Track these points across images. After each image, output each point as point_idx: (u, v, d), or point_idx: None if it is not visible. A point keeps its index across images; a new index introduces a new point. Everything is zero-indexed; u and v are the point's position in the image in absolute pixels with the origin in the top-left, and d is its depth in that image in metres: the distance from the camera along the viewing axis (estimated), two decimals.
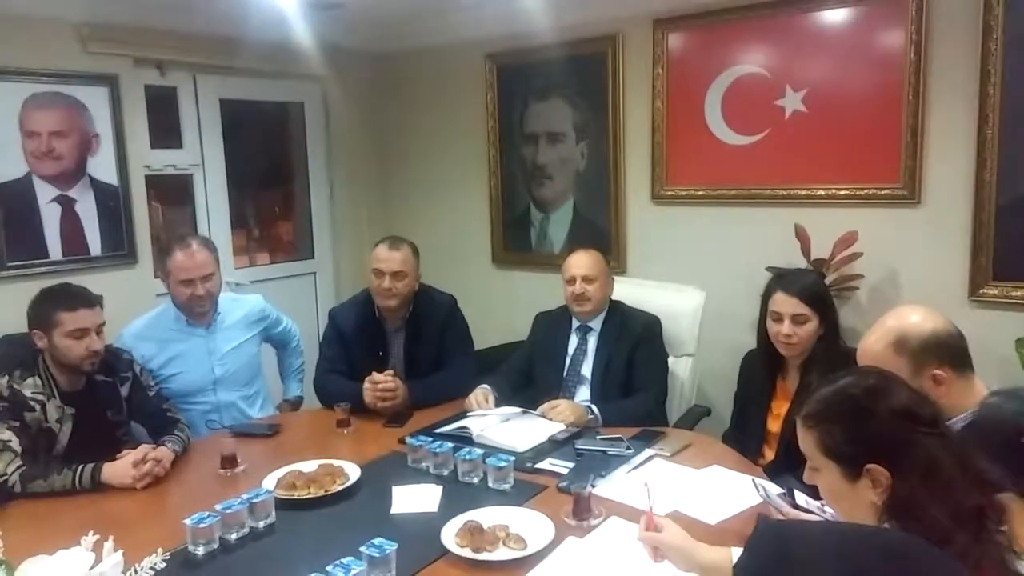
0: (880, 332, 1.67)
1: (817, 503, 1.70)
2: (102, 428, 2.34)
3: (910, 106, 2.92)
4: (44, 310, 2.26)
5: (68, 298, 2.27)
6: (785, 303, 2.30)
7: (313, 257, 4.48)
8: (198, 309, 2.71)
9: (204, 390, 2.72)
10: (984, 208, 2.82)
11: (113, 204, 3.44)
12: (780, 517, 1.66)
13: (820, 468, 1.31)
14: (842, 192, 3.13)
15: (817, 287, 2.39)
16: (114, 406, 2.38)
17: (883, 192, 3.04)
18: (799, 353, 2.32)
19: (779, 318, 2.30)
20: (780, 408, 2.38)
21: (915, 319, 1.65)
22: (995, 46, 2.73)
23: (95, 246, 3.40)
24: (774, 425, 2.38)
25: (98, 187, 3.39)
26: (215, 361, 2.75)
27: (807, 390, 2.24)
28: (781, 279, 2.39)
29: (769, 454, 2.37)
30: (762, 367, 2.44)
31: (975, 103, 2.79)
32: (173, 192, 3.89)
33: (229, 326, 2.82)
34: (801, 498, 1.70)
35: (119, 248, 3.47)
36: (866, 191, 3.08)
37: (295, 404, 3.11)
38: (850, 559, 1.02)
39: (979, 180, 2.82)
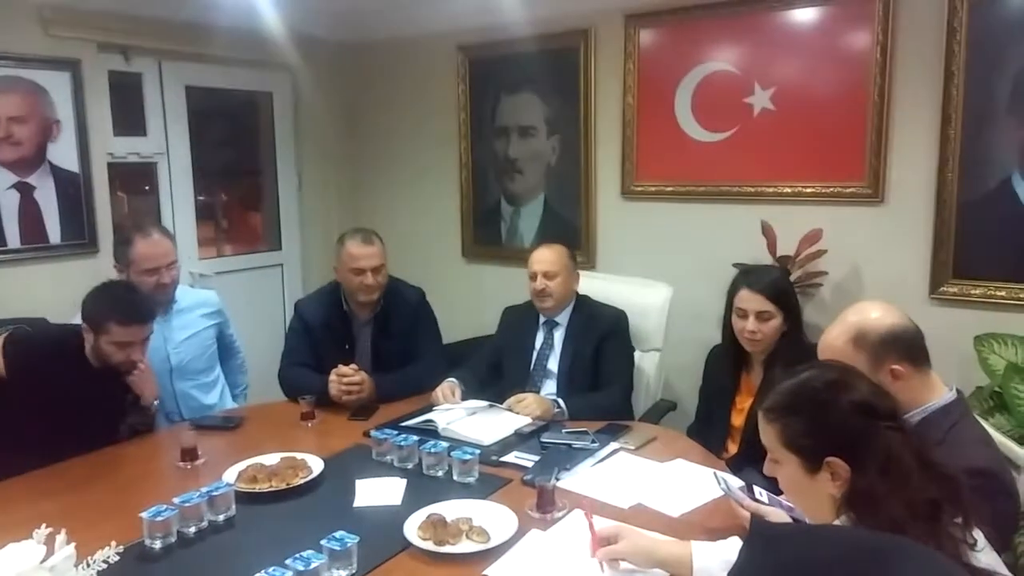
0: (840, 327, 1.70)
1: (779, 497, 1.72)
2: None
3: (875, 106, 2.96)
4: (99, 312, 2.24)
5: (126, 310, 2.25)
6: (750, 300, 2.31)
7: (280, 249, 4.43)
8: (161, 297, 2.67)
9: (159, 378, 2.65)
10: (946, 207, 2.87)
11: (74, 192, 3.36)
12: (741, 510, 1.68)
13: (780, 461, 1.32)
14: (808, 190, 3.17)
15: (782, 284, 2.41)
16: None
17: (848, 190, 3.08)
18: (763, 349, 2.35)
19: (744, 314, 2.32)
20: (744, 403, 2.40)
21: (875, 315, 1.67)
22: (959, 48, 2.77)
23: (55, 234, 3.32)
24: (738, 419, 2.40)
25: (58, 174, 3.32)
26: (170, 349, 2.71)
27: (770, 385, 2.28)
28: (746, 276, 2.41)
29: (733, 448, 2.39)
30: (727, 362, 2.46)
31: (938, 103, 2.84)
32: (137, 181, 3.82)
33: (185, 315, 2.78)
34: (762, 492, 1.72)
35: (79, 236, 3.39)
36: (831, 189, 3.12)
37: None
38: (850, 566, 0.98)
39: (941, 179, 2.87)
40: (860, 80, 2.99)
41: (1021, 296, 2.78)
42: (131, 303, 2.29)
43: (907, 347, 1.64)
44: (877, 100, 2.96)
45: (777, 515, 1.63)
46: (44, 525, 1.42)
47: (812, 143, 3.14)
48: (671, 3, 3.37)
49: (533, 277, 2.72)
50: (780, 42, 3.17)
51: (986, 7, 2.73)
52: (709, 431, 2.46)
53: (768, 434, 1.33)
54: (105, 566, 1.44)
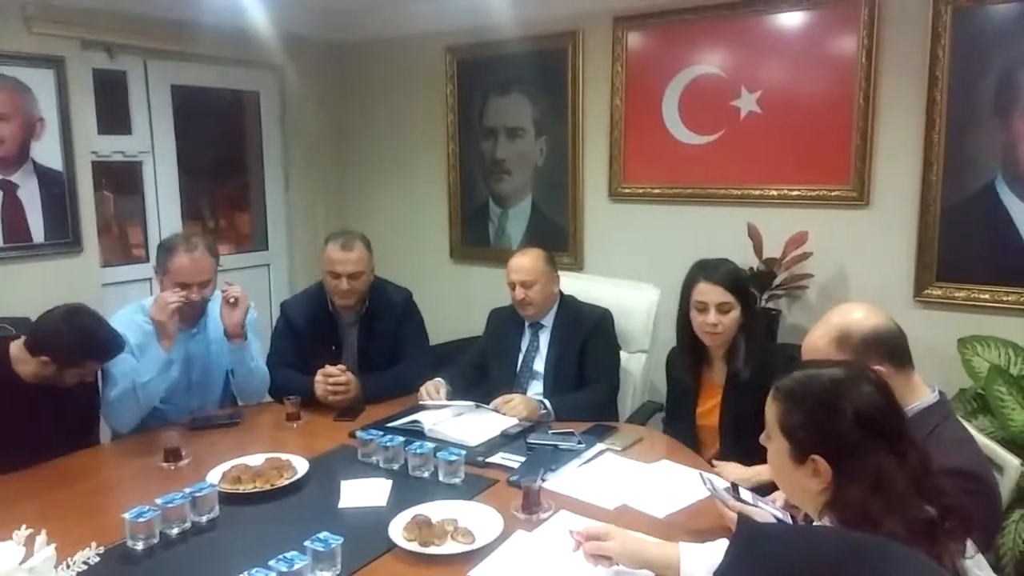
0: (824, 328, 1.70)
1: (764, 498, 1.73)
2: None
3: (860, 110, 2.99)
4: (74, 348, 2.14)
5: (104, 348, 2.19)
6: (710, 292, 2.27)
7: (267, 248, 4.41)
8: (187, 311, 2.54)
9: (175, 389, 2.55)
10: (930, 210, 2.90)
11: (58, 190, 3.34)
12: (727, 511, 1.68)
13: (773, 439, 1.34)
14: (794, 193, 3.18)
15: (739, 274, 2.38)
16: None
17: (833, 193, 3.10)
18: (723, 343, 2.31)
19: (704, 307, 2.28)
20: (708, 402, 2.37)
21: (857, 316, 1.68)
22: (942, 53, 2.80)
23: (38, 233, 3.29)
24: (704, 420, 2.37)
25: (42, 172, 3.29)
26: (188, 366, 2.60)
27: (735, 379, 2.27)
28: (702, 268, 2.35)
29: (701, 449, 2.37)
30: (687, 361, 2.40)
31: (923, 108, 2.87)
32: (121, 179, 3.79)
33: (213, 337, 2.65)
34: (747, 493, 1.72)
35: (63, 236, 3.37)
36: (817, 192, 3.13)
37: None
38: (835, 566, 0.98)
39: (925, 183, 2.90)
40: (845, 84, 3.01)
41: (1004, 299, 2.81)
42: (107, 339, 2.21)
43: (890, 348, 1.64)
44: (862, 104, 2.98)
45: (762, 516, 1.63)
46: (24, 526, 1.41)
47: (798, 146, 3.16)
48: (659, 6, 3.39)
49: (512, 286, 2.70)
50: (767, 46, 3.19)
51: (970, 12, 2.76)
52: (676, 433, 2.41)
53: (771, 410, 1.34)
54: (85, 567, 1.43)
